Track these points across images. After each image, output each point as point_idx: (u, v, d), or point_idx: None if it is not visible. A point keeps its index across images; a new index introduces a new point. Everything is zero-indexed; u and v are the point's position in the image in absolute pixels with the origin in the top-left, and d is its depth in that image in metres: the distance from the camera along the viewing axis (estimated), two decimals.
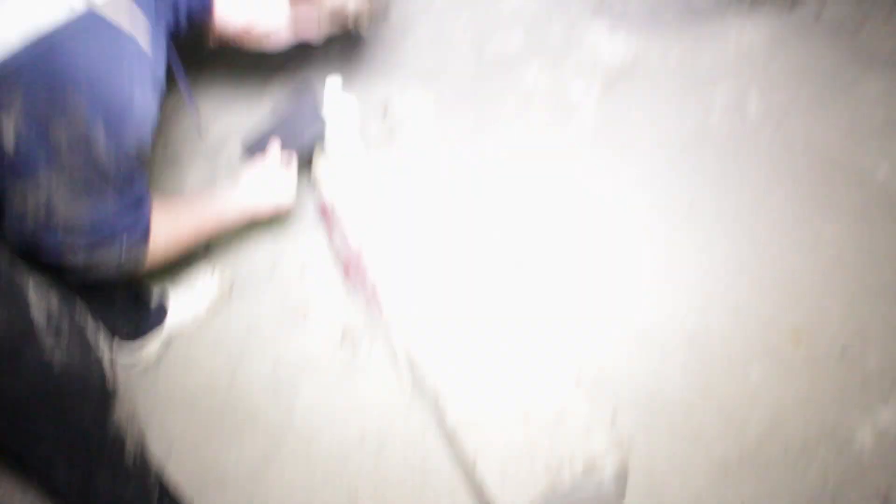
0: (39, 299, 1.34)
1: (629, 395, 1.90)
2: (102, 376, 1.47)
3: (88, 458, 1.51)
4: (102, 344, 1.51)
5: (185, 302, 2.19)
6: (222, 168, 2.48)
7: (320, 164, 1.93)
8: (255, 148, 1.77)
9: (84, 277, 1.39)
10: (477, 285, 1.84)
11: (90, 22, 1.20)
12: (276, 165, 1.75)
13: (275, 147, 1.73)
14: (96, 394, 1.47)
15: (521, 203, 2.32)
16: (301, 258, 2.30)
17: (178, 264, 2.34)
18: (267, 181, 1.74)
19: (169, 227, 1.46)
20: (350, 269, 2.03)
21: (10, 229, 1.29)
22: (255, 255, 2.35)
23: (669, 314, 2.07)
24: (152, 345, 2.13)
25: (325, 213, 2.06)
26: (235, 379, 2.09)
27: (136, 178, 1.33)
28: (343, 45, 2.93)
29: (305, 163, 1.81)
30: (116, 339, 2.08)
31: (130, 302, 2.07)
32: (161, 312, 2.14)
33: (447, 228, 1.86)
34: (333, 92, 1.73)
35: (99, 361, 1.47)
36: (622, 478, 1.52)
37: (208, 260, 2.35)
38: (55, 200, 1.23)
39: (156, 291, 2.17)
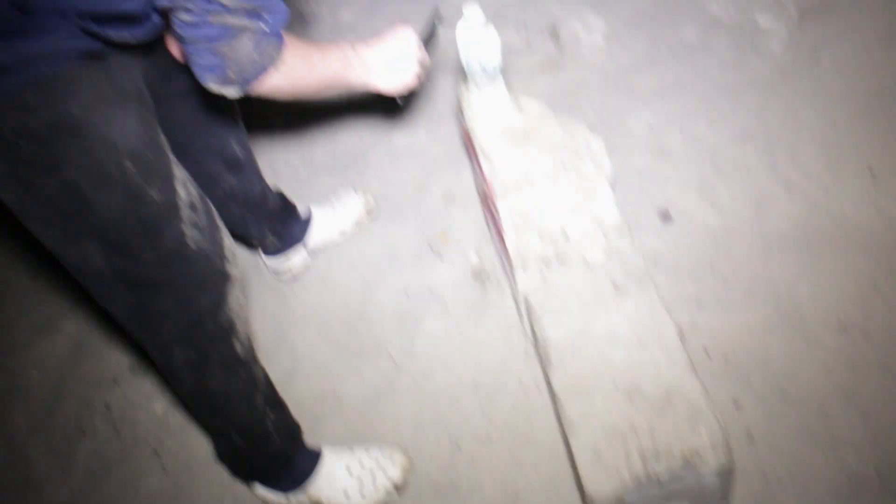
0: (185, 186, 1.47)
1: (758, 384, 1.65)
2: (223, 259, 1.55)
3: (204, 339, 1.59)
4: (224, 229, 1.60)
5: (329, 219, 2.21)
6: None
7: (463, 91, 1.82)
8: None
9: (216, 73, 1.29)
10: (610, 237, 1.66)
11: None
12: (407, 39, 1.63)
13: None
14: (218, 277, 1.55)
15: (689, 148, 2.09)
16: (446, 187, 2.22)
17: (325, 184, 2.36)
18: (394, 51, 1.61)
19: (300, 55, 1.38)
20: (486, 202, 1.92)
21: None
22: (402, 180, 2.30)
23: (823, 296, 1.76)
24: (296, 257, 2.18)
25: (468, 142, 1.96)
26: (366, 304, 2.07)
27: None
28: None
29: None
30: (264, 248, 2.15)
31: (279, 212, 2.11)
32: (306, 226, 2.18)
33: (595, 166, 1.69)
34: (473, 21, 1.60)
35: (223, 245, 1.56)
36: (726, 475, 1.33)
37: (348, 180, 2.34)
38: None
39: (302, 207, 2.19)
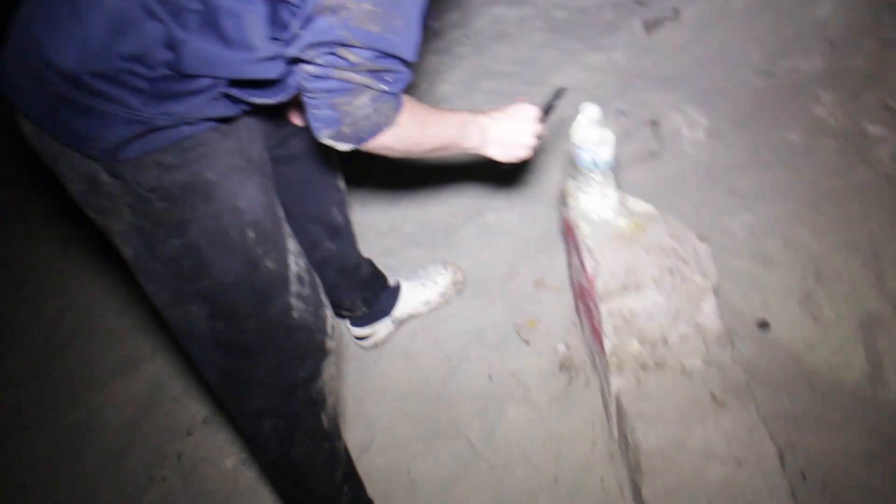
0: (296, 259, 1.50)
1: None
2: (324, 333, 1.58)
3: (293, 411, 1.61)
4: (328, 305, 1.62)
5: (417, 292, 2.22)
6: None
7: (571, 183, 1.82)
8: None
9: (331, 127, 1.29)
10: (710, 346, 1.63)
11: None
12: (529, 115, 1.64)
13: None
14: (316, 350, 1.58)
15: (791, 256, 2.04)
16: (538, 272, 2.21)
17: (412, 256, 2.37)
18: (513, 116, 1.62)
19: (416, 118, 1.39)
20: (582, 296, 1.90)
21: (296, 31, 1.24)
22: (493, 259, 2.30)
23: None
24: (383, 325, 2.19)
25: (568, 233, 1.95)
26: (448, 384, 2.06)
27: (417, 38, 1.25)
28: (624, 52, 2.79)
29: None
30: (352, 315, 2.17)
31: (370, 281, 2.14)
32: (394, 295, 2.19)
33: (701, 274, 1.66)
34: (591, 118, 1.60)
35: (325, 319, 1.58)
36: None
37: (437, 255, 2.35)
38: (364, 6, 1.16)
39: (392, 278, 2.20)
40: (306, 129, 1.62)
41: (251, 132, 1.46)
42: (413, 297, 2.19)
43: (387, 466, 1.95)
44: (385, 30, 1.16)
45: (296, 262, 1.50)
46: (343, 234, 1.97)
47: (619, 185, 1.76)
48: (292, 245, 1.50)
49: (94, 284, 2.84)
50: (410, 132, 1.37)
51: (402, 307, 2.18)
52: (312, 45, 1.17)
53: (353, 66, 1.18)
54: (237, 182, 1.38)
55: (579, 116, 1.61)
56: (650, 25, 2.89)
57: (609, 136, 1.59)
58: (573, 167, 1.73)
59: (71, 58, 1.17)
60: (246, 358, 1.50)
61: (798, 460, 1.64)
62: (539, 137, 1.64)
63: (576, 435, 1.84)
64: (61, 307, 2.80)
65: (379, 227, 2.56)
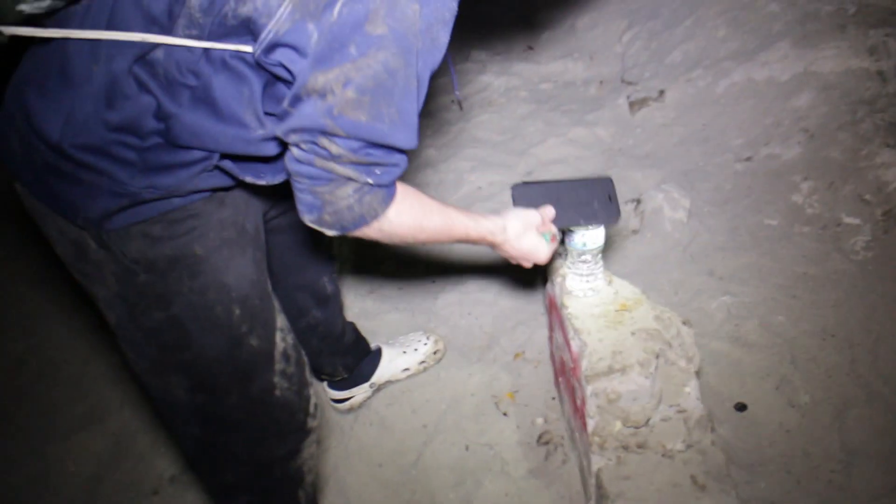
0: (283, 335, 1.48)
1: None
2: (306, 413, 1.56)
3: (269, 488, 1.59)
4: (313, 383, 1.59)
5: (397, 358, 2.22)
6: None
7: (558, 262, 1.84)
8: (526, 194, 1.64)
9: (313, 214, 1.23)
10: (692, 430, 1.64)
11: None
12: (544, 224, 1.60)
13: (550, 209, 1.61)
14: (297, 429, 1.56)
15: (768, 339, 2.07)
16: (518, 345, 2.22)
17: (392, 321, 2.37)
18: (529, 234, 1.57)
19: (414, 213, 1.32)
20: (563, 372, 1.91)
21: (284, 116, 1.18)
22: (473, 330, 2.31)
23: None
24: (361, 390, 2.18)
25: (552, 309, 1.96)
26: (424, 453, 2.04)
27: (413, 126, 1.19)
28: (608, 128, 2.86)
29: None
30: (331, 379, 2.16)
31: (353, 346, 2.13)
32: (375, 361, 2.19)
33: (685, 358, 1.68)
34: None
35: (308, 399, 1.57)
36: None
37: (415, 319, 2.35)
38: (348, 93, 1.10)
39: (373, 343, 2.19)
40: None
41: (249, 201, 1.45)
42: (393, 363, 2.18)
43: None
44: (373, 118, 1.12)
45: (283, 339, 1.49)
46: (331, 302, 1.97)
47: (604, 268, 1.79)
48: (281, 321, 1.49)
49: (62, 329, 2.79)
50: (402, 226, 1.31)
51: (382, 373, 2.17)
52: (295, 130, 1.15)
53: (334, 158, 1.15)
54: (227, 256, 1.37)
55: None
56: (635, 104, 2.96)
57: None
58: (562, 246, 1.75)
59: (57, 129, 1.18)
60: (224, 432, 1.49)
61: None
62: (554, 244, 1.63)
63: None
64: (25, 351, 2.74)
65: (358, 289, 2.56)
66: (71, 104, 1.17)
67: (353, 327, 2.13)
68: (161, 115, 1.17)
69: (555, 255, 1.83)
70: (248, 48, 1.13)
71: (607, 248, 2.39)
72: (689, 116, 2.86)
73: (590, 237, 1.63)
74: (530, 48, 3.50)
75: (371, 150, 1.15)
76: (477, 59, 3.52)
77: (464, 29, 3.72)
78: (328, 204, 1.20)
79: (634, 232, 2.49)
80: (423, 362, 2.21)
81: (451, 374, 2.19)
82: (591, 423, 1.63)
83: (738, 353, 2.04)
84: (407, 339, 2.25)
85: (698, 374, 1.68)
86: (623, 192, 2.60)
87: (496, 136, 3.06)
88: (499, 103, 3.23)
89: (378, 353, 2.18)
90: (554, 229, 1.61)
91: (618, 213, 1.66)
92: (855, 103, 2.54)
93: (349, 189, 1.18)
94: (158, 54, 1.14)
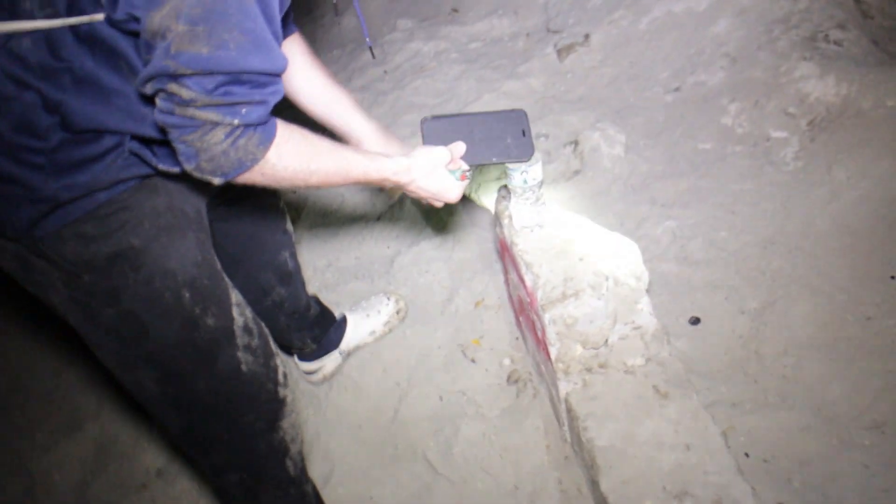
0: (240, 310, 1.48)
1: (799, 485, 1.65)
2: (276, 383, 1.59)
3: (256, 462, 1.62)
4: (279, 353, 1.61)
5: (362, 322, 2.26)
6: None
7: (503, 204, 1.90)
8: (436, 129, 1.56)
9: (191, 163, 1.16)
10: (649, 344, 1.72)
11: None
12: (453, 162, 1.53)
13: (461, 145, 1.53)
14: (270, 400, 1.58)
15: (713, 255, 2.16)
16: (477, 293, 2.28)
17: (353, 289, 2.41)
18: (437, 172, 1.49)
19: (300, 151, 1.25)
20: (522, 310, 1.98)
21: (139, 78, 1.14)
22: (432, 286, 2.36)
23: (855, 396, 1.79)
24: (331, 358, 2.22)
25: (504, 251, 2.02)
26: (400, 409, 2.10)
27: (268, 45, 1.12)
28: (540, 78, 2.92)
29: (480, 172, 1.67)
30: (301, 352, 2.20)
31: (318, 319, 2.16)
32: (341, 329, 2.22)
33: (633, 276, 1.75)
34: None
35: (276, 369, 1.59)
36: None
37: (375, 285, 2.40)
38: (181, 27, 1.04)
39: (337, 312, 2.24)
40: None
41: (187, 185, 1.42)
42: (359, 328, 2.23)
43: (349, 495, 1.98)
44: (215, 48, 1.05)
45: (241, 314, 1.49)
46: (293, 278, 1.98)
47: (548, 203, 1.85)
48: (235, 297, 1.49)
49: (28, 345, 2.79)
50: (287, 170, 1.24)
51: (349, 339, 2.22)
52: (147, 80, 1.10)
53: (189, 102, 1.08)
54: (166, 243, 1.35)
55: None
56: (562, 51, 3.02)
57: (537, 155, 1.67)
58: (505, 188, 1.81)
59: None
60: (201, 416, 1.51)
61: (740, 441, 1.73)
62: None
63: (530, 443, 1.90)
64: None
65: (316, 262, 2.60)
66: None
67: (316, 300, 2.17)
68: (49, 106, 1.15)
69: (500, 199, 1.88)
70: (101, 15, 1.10)
71: (552, 191, 2.46)
72: (615, 56, 2.92)
73: (530, 174, 1.69)
74: (455, 11, 3.54)
75: (230, 88, 1.09)
76: (404, 27, 3.54)
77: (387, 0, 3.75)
78: (202, 151, 1.13)
79: (576, 172, 2.56)
80: (387, 323, 2.26)
81: (417, 330, 2.25)
82: (553, 351, 1.70)
83: (687, 271, 2.13)
84: (369, 302, 2.29)
85: (648, 291, 1.75)
86: (560, 136, 2.68)
87: (432, 100, 3.09)
88: (430, 68, 3.26)
89: (343, 320, 2.22)
90: (464, 166, 1.55)
91: (531, 148, 1.61)
92: (770, 23, 2.63)
93: (220, 134, 1.12)
94: (25, 44, 1.12)
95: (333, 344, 2.19)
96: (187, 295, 1.38)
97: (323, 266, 2.60)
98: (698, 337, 1.97)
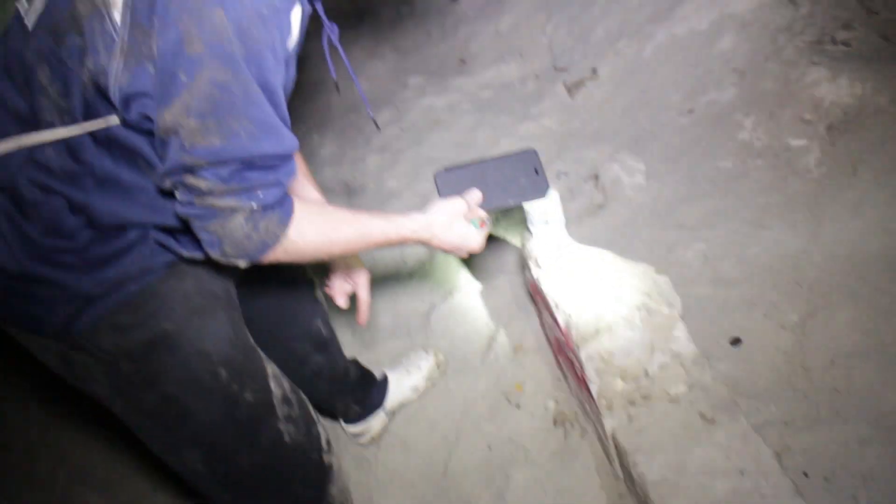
0: (277, 381, 1.51)
1: (865, 501, 1.60)
2: (321, 450, 1.60)
3: None
4: (321, 421, 1.63)
5: (403, 379, 2.26)
6: None
7: (528, 247, 1.90)
8: (450, 180, 1.58)
9: (215, 249, 1.19)
10: (690, 370, 1.69)
11: None
12: (471, 211, 1.55)
13: (476, 193, 1.55)
14: (316, 468, 1.59)
15: (746, 272, 2.13)
16: (515, 338, 2.27)
17: (392, 347, 2.42)
18: (456, 223, 1.51)
19: (320, 225, 1.28)
20: (560, 350, 1.97)
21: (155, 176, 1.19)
22: (470, 336, 2.36)
23: None
24: (376, 420, 2.21)
25: (535, 293, 2.03)
26: (450, 462, 2.08)
27: (277, 129, 1.15)
28: (553, 117, 2.94)
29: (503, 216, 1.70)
30: (346, 416, 2.19)
31: (359, 381, 2.16)
32: (383, 389, 2.22)
33: (665, 304, 1.74)
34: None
35: (318, 436, 1.60)
36: None
37: (414, 341, 2.41)
38: (192, 122, 1.07)
39: (377, 372, 2.24)
40: None
41: (211, 267, 1.43)
42: (401, 385, 2.23)
43: None
44: (226, 137, 1.08)
45: (278, 386, 1.51)
46: (329, 344, 1.98)
47: (574, 239, 1.85)
48: (271, 369, 1.51)
49: (81, 436, 2.82)
50: (309, 244, 1.26)
51: (392, 398, 2.22)
52: (165, 175, 1.13)
53: (207, 193, 1.11)
54: (199, 325, 1.37)
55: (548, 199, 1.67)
56: (572, 88, 3.05)
57: (554, 194, 1.68)
58: (528, 231, 1.81)
59: (2, 254, 1.21)
60: (250, 490, 1.52)
61: (797, 461, 1.69)
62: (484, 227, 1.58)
63: (583, 484, 1.87)
64: (52, 465, 2.77)
65: (352, 323, 2.61)
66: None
67: (355, 363, 2.17)
68: (75, 208, 1.20)
69: (525, 243, 1.89)
70: (116, 118, 1.14)
71: (577, 228, 2.46)
72: (625, 86, 2.94)
73: (550, 214, 1.69)
74: (462, 62, 3.59)
75: (245, 174, 1.12)
76: (414, 84, 3.60)
77: (395, 59, 3.82)
78: (225, 238, 1.16)
79: (600, 206, 2.56)
80: (428, 377, 2.26)
81: (459, 381, 2.24)
82: (593, 388, 1.68)
83: (722, 292, 2.10)
84: (408, 359, 2.30)
85: (683, 317, 1.74)
86: (580, 172, 2.69)
87: (450, 153, 3.13)
88: (445, 121, 3.31)
89: (384, 380, 2.23)
90: (482, 213, 1.57)
91: (546, 185, 1.63)
92: (774, 33, 2.63)
93: (240, 219, 1.15)
94: (48, 152, 1.17)
95: (377, 404, 2.19)
96: (224, 373, 1.40)
97: (360, 327, 2.61)
98: (741, 357, 1.93)
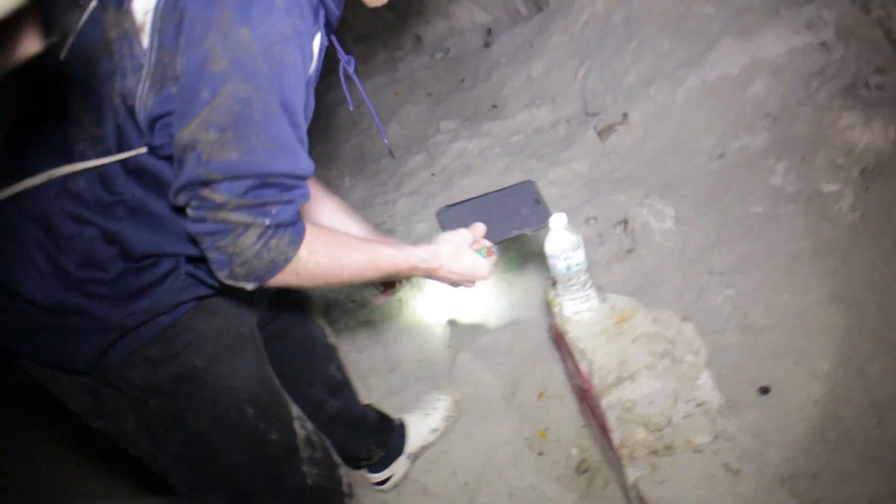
0: (301, 423, 1.51)
1: None
2: (342, 494, 1.60)
3: None
4: (342, 464, 1.63)
5: (421, 422, 2.24)
6: None
7: (552, 292, 1.88)
8: (453, 217, 1.61)
9: (223, 269, 1.18)
10: (715, 420, 1.65)
11: None
12: (476, 242, 1.56)
13: (480, 225, 1.57)
14: None
15: (777, 319, 2.08)
16: (539, 384, 2.24)
17: (416, 391, 2.40)
18: (464, 253, 1.52)
19: (329, 250, 1.26)
20: (584, 398, 1.93)
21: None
22: (495, 381, 2.33)
23: None
24: (400, 464, 2.19)
25: (558, 340, 2.00)
26: None
27: (294, 150, 1.16)
28: (584, 162, 2.93)
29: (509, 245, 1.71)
30: (369, 462, 2.17)
31: (378, 425, 2.15)
32: (402, 432, 2.20)
33: (691, 352, 1.71)
34: (559, 226, 1.67)
35: (340, 480, 1.60)
36: None
37: (439, 385, 2.39)
38: (211, 135, 1.09)
39: (395, 417, 2.22)
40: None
41: (240, 308, 1.47)
42: (421, 428, 2.21)
43: None
44: (244, 152, 1.09)
45: (302, 427, 1.51)
46: (344, 389, 1.99)
47: (601, 286, 1.83)
48: (295, 411, 1.52)
49: (108, 478, 2.83)
50: (319, 266, 1.24)
51: (413, 441, 2.19)
52: (179, 191, 1.13)
53: (222, 206, 1.11)
54: (228, 361, 1.38)
55: (549, 227, 1.67)
56: (603, 133, 3.04)
57: (578, 241, 1.66)
58: (551, 277, 1.80)
59: (35, 287, 1.22)
60: None
61: None
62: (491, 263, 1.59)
63: None
64: None
65: (379, 368, 2.61)
66: (33, 262, 1.22)
67: (372, 408, 2.16)
68: (108, 238, 1.21)
69: (549, 288, 1.87)
70: (145, 146, 1.17)
71: (606, 273, 2.44)
72: (656, 131, 2.92)
73: (573, 259, 1.67)
74: (494, 107, 3.62)
75: (260, 191, 1.12)
76: (447, 129, 3.63)
77: (428, 104, 3.86)
78: (235, 256, 1.15)
79: (629, 251, 2.53)
80: (447, 417, 2.24)
81: (482, 427, 2.21)
82: (615, 437, 1.65)
83: (751, 339, 2.05)
84: (424, 401, 2.28)
85: (709, 365, 1.70)
86: (610, 217, 2.67)
87: None
88: (476, 165, 3.32)
89: (402, 424, 2.20)
90: (487, 244, 1.58)
91: (547, 213, 1.64)
92: (807, 77, 2.60)
93: (252, 237, 1.14)
94: (81, 183, 1.19)
95: (399, 449, 2.16)
96: (251, 412, 1.40)
97: (386, 371, 2.60)
98: (770, 406, 1.88)
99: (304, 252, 1.21)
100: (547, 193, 2.89)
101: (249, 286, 1.21)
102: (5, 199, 1.23)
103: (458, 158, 3.43)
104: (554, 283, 1.84)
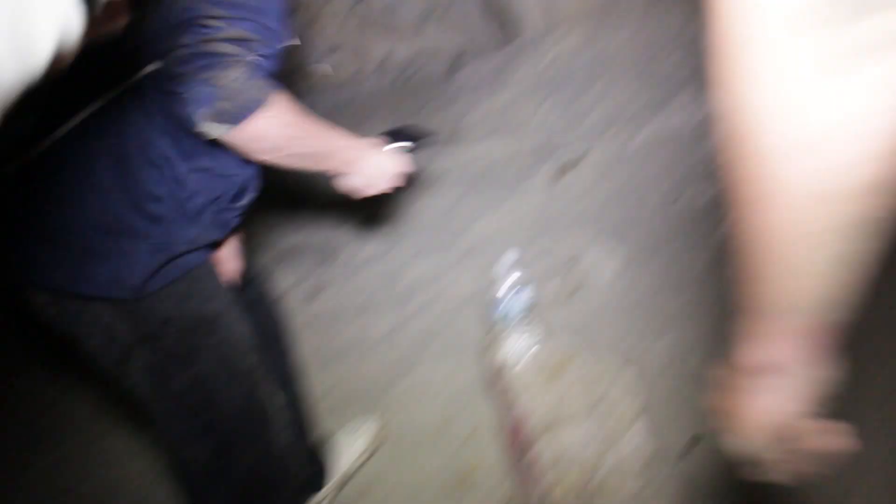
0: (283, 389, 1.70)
1: None
2: (316, 458, 1.91)
3: None
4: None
5: (348, 446, 2.19)
6: None
7: (491, 334, 1.87)
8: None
9: (207, 105, 1.23)
10: (646, 466, 1.64)
11: None
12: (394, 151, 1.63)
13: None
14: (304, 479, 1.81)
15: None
16: (472, 422, 2.21)
17: (343, 413, 2.34)
18: (388, 158, 1.59)
19: (293, 108, 1.32)
20: (516, 438, 1.91)
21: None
22: (426, 415, 2.29)
23: None
24: (327, 490, 2.11)
25: (496, 381, 1.98)
26: None
27: (282, 21, 1.28)
28: (538, 196, 2.93)
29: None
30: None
31: (309, 456, 2.06)
32: (331, 451, 2.15)
33: (628, 397, 1.69)
34: (506, 265, 1.66)
35: (315, 446, 1.89)
36: None
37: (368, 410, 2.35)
38: None
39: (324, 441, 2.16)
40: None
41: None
42: (343, 455, 2.15)
43: None
44: (240, 2, 1.21)
45: (284, 393, 1.68)
46: (293, 385, 1.97)
47: (545, 324, 1.81)
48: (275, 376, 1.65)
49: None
50: (287, 120, 1.31)
51: (339, 466, 2.13)
52: (174, 30, 1.20)
53: (215, 33, 1.19)
54: (234, 314, 1.50)
55: (494, 271, 1.66)
56: (560, 170, 3.05)
57: (521, 279, 1.65)
58: (491, 319, 1.78)
59: (96, 204, 1.29)
60: (243, 494, 1.61)
61: None
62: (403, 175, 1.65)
63: None
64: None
65: (313, 391, 2.54)
66: (98, 179, 1.28)
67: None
68: (170, 161, 1.31)
69: (488, 329, 1.85)
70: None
71: (551, 311, 2.42)
72: (613, 172, 2.94)
73: (513, 303, 1.66)
74: (454, 133, 3.61)
75: (246, 25, 1.21)
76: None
77: (388, 126, 3.82)
78: (221, 89, 1.20)
79: (575, 290, 2.52)
80: (374, 436, 2.21)
81: (410, 462, 2.16)
82: (546, 479, 1.63)
83: (689, 388, 2.05)
84: (349, 426, 2.24)
85: (644, 411, 1.69)
86: (560, 254, 2.67)
87: (434, 221, 3.11)
88: (434, 190, 3.30)
89: (332, 441, 2.16)
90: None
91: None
92: None
93: (239, 70, 1.21)
94: (147, 103, 1.28)
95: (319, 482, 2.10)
96: (250, 361, 1.53)
97: (319, 394, 2.54)
98: (701, 456, 1.88)
99: (276, 103, 1.27)
100: (501, 225, 2.90)
101: (221, 129, 1.25)
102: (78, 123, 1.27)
103: (416, 180, 3.41)
104: (493, 325, 1.83)
